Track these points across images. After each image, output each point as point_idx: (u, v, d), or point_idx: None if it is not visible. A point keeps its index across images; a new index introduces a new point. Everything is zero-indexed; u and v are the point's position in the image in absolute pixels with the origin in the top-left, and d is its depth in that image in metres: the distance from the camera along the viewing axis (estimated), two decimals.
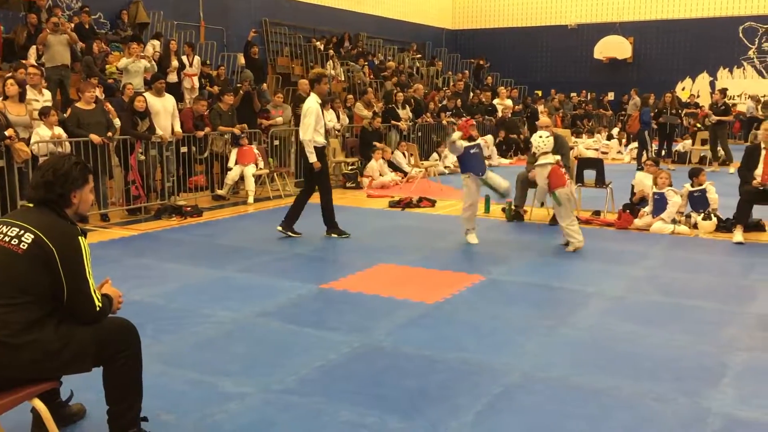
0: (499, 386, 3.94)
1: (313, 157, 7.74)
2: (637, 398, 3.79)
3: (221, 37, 17.79)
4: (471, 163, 7.76)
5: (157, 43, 14.12)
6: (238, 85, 12.39)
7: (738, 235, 7.84)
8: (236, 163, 10.80)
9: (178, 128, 9.96)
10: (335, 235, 8.03)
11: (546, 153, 7.39)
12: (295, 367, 4.20)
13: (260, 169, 11.11)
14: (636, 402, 3.75)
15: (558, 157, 7.42)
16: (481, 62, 24.53)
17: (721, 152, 15.63)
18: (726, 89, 17.55)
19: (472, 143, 7.76)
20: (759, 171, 7.87)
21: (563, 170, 7.37)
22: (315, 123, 7.63)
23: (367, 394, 3.85)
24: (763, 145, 7.94)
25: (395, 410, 3.64)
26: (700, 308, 5.44)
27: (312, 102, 7.70)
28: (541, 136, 7.50)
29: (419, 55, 23.44)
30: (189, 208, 9.47)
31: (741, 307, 5.46)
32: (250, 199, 10.67)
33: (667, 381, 4.01)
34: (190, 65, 13.19)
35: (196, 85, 13.25)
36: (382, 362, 4.31)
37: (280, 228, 7.94)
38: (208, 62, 15.23)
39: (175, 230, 8.57)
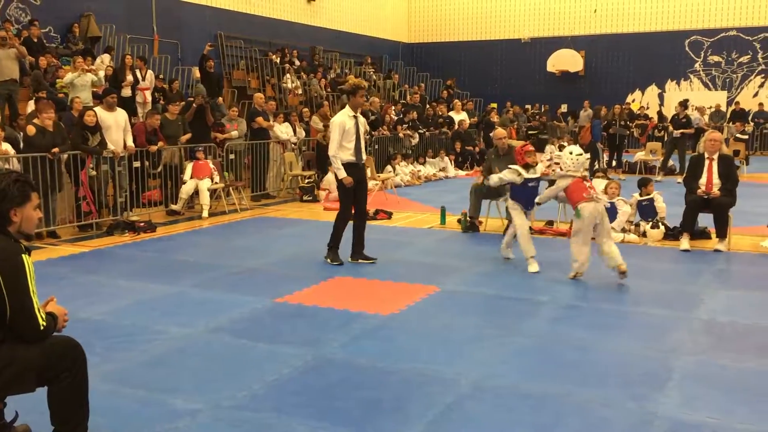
0: (450, 396, 3.97)
1: (342, 173, 7.11)
2: (587, 404, 3.86)
3: (175, 51, 17.65)
4: (523, 196, 7.19)
5: (108, 57, 13.94)
6: (191, 98, 12.28)
7: (684, 242, 8.06)
8: (191, 177, 10.71)
9: (130, 143, 9.84)
10: (361, 260, 7.41)
11: (573, 174, 6.57)
12: (247, 383, 4.17)
13: (215, 183, 11.02)
14: (585, 408, 3.82)
15: (585, 173, 6.72)
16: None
17: (671, 163, 16.04)
18: (687, 101, 17.97)
19: (533, 176, 7.16)
20: (703, 180, 8.12)
21: (587, 183, 6.60)
22: (341, 137, 7.06)
23: (319, 407, 3.84)
24: (706, 155, 8.19)
25: (347, 422, 3.65)
26: (648, 314, 5.57)
27: (340, 116, 7.17)
28: (572, 153, 6.60)
29: (373, 70, 23.55)
30: (142, 224, 9.33)
31: (687, 313, 5.61)
32: (205, 214, 10.58)
33: (615, 386, 4.09)
34: (143, 79, 13.05)
35: (149, 99, 13.11)
36: (335, 375, 4.31)
37: (327, 259, 7.33)
38: (161, 76, 15.08)
39: (127, 246, 8.44)
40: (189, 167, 10.77)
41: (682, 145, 16.03)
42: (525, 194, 7.17)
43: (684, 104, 17.06)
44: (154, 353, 4.69)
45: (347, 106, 7.19)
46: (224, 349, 4.80)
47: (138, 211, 10.25)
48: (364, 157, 7.42)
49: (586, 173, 6.76)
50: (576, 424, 3.63)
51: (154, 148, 10.31)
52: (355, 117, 7.14)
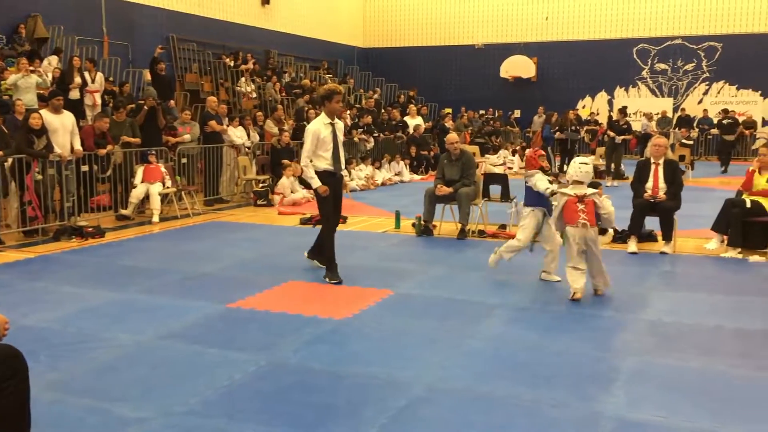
0: (403, 399, 3.98)
1: (315, 182, 6.72)
2: (536, 405, 3.92)
3: (126, 53, 17.33)
4: (547, 201, 6.79)
5: (55, 59, 13.62)
6: (141, 101, 12.08)
7: (632, 245, 8.26)
8: (142, 181, 10.52)
9: (78, 146, 9.61)
10: (317, 263, 7.23)
11: (580, 183, 6.23)
12: (199, 389, 4.12)
13: (167, 187, 10.85)
14: (535, 409, 3.88)
15: (594, 191, 6.25)
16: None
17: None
18: (626, 107, 18.48)
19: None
20: (650, 184, 8.33)
21: (581, 206, 6.11)
22: (314, 146, 6.71)
23: (272, 412, 3.82)
24: (652, 160, 8.40)
25: (299, 427, 3.63)
26: (597, 316, 5.69)
27: (314, 124, 6.84)
28: (584, 163, 6.33)
29: (330, 75, 23.51)
30: (90, 229, 9.13)
31: (634, 314, 5.74)
32: (155, 218, 10.40)
33: (564, 387, 4.17)
34: (92, 81, 12.78)
35: (99, 102, 12.85)
36: (288, 380, 4.28)
37: (326, 278, 6.86)
38: (111, 78, 14.79)
39: (74, 252, 8.25)
40: (140, 171, 10.59)
41: (619, 150, 16.49)
42: (543, 197, 6.82)
43: (623, 111, 17.56)
44: (101, 361, 4.60)
45: (322, 113, 6.88)
46: (175, 355, 4.73)
47: (86, 216, 10.02)
48: (343, 165, 7.14)
49: (587, 190, 6.21)
50: (526, 424, 3.68)
51: (102, 151, 10.11)
52: (332, 124, 6.81)
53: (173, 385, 4.19)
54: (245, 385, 4.20)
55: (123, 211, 10.50)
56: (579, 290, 6.08)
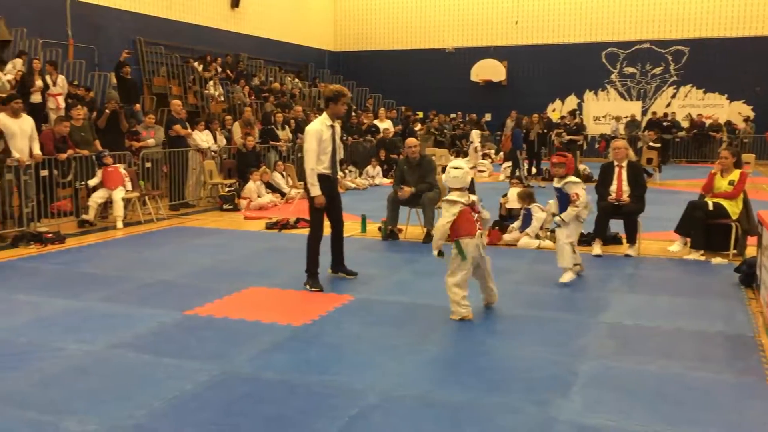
0: (356, 408, 3.91)
1: (315, 190, 6.51)
2: (490, 410, 3.88)
3: (92, 56, 17.07)
4: (564, 206, 6.93)
5: (19, 61, 13.35)
6: (105, 105, 11.88)
7: (597, 248, 8.28)
8: (102, 186, 10.31)
9: (37, 150, 9.41)
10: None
11: (458, 189, 5.62)
12: (147, 400, 4.01)
13: (129, 192, 10.64)
14: (488, 414, 3.83)
15: (473, 198, 5.74)
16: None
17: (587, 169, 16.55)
18: (576, 110, 18.74)
19: (557, 185, 6.97)
20: (613, 187, 8.36)
21: (475, 215, 5.62)
22: (319, 147, 6.48)
23: (221, 423, 3.72)
24: (616, 163, 8.44)
25: None
26: (557, 320, 5.66)
27: (316, 124, 6.60)
28: (456, 167, 5.71)
29: (297, 80, 23.32)
30: (50, 235, 8.93)
31: (594, 317, 5.74)
32: (119, 225, 10.21)
33: (519, 391, 4.13)
34: (54, 84, 12.55)
35: (62, 105, 12.61)
36: (240, 389, 4.19)
37: (307, 285, 6.68)
38: (75, 82, 14.54)
39: (32, 258, 8.06)
40: (98, 174, 10.36)
41: (574, 151, 16.67)
42: (563, 202, 6.97)
43: (573, 113, 17.83)
44: (48, 372, 4.46)
45: (324, 114, 6.65)
46: (125, 365, 4.61)
47: (47, 222, 9.81)
48: (338, 169, 6.91)
49: (474, 198, 5.74)
50: (476, 431, 3.63)
51: (63, 156, 9.90)
52: (332, 126, 6.62)
53: (121, 397, 4.07)
54: (196, 396, 4.10)
55: (84, 216, 10.28)
56: (463, 314, 5.57)
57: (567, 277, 6.82)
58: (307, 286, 6.64)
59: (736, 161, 8.43)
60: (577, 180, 7.00)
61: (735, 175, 8.25)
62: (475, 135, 12.66)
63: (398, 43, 28.02)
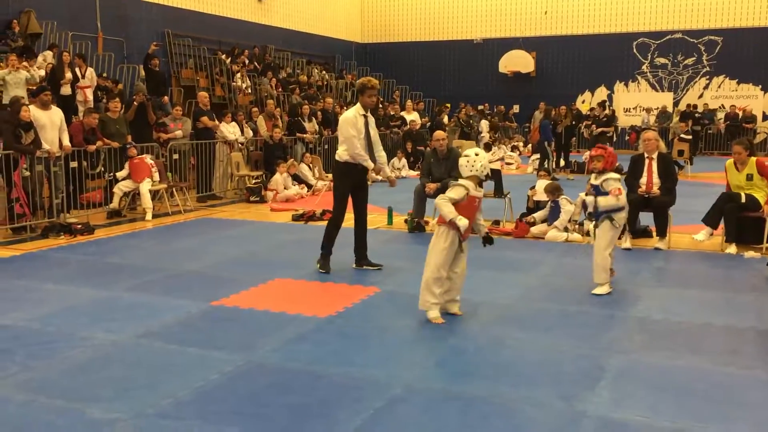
0: (381, 400, 3.89)
1: (368, 163, 6.78)
2: (515, 404, 3.83)
3: (121, 49, 17.24)
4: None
5: (50, 54, 13.53)
6: (133, 97, 11.99)
7: (626, 241, 8.15)
8: (129, 178, 10.40)
9: (66, 142, 9.53)
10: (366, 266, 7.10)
11: (470, 177, 5.31)
12: (173, 389, 4.03)
13: (157, 183, 10.73)
14: (513, 408, 3.79)
15: (480, 194, 5.42)
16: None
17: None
18: (605, 101, 18.37)
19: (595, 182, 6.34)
20: (644, 180, 8.22)
21: (478, 215, 5.48)
22: (356, 132, 6.75)
23: (245, 413, 3.73)
24: (646, 155, 8.29)
25: (272, 429, 3.54)
26: (586, 313, 5.59)
27: (350, 112, 6.89)
28: (464, 156, 5.37)
29: (324, 72, 23.30)
30: (79, 226, 9.05)
31: (624, 311, 5.64)
32: (149, 216, 10.29)
33: (546, 386, 4.07)
34: (83, 77, 12.69)
35: (90, 98, 12.76)
36: (264, 380, 4.19)
37: (318, 267, 6.96)
38: (104, 74, 14.70)
39: (62, 249, 8.16)
40: (126, 166, 10.45)
41: (603, 143, 16.37)
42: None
43: (603, 105, 17.48)
44: (76, 361, 4.51)
45: (358, 104, 6.93)
46: (151, 355, 4.64)
47: (76, 213, 9.94)
48: (370, 159, 6.92)
49: (479, 193, 5.40)
50: (501, 424, 3.59)
51: (92, 147, 10.02)
52: (365, 116, 6.86)
53: (147, 385, 4.10)
54: (221, 385, 4.11)
55: (111, 206, 10.37)
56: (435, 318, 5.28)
57: (602, 290, 6.15)
58: (318, 266, 7.01)
59: (749, 153, 8.24)
60: (617, 176, 6.32)
61: (752, 167, 8.06)
62: (484, 125, 12.49)
63: (426, 35, 27.88)
